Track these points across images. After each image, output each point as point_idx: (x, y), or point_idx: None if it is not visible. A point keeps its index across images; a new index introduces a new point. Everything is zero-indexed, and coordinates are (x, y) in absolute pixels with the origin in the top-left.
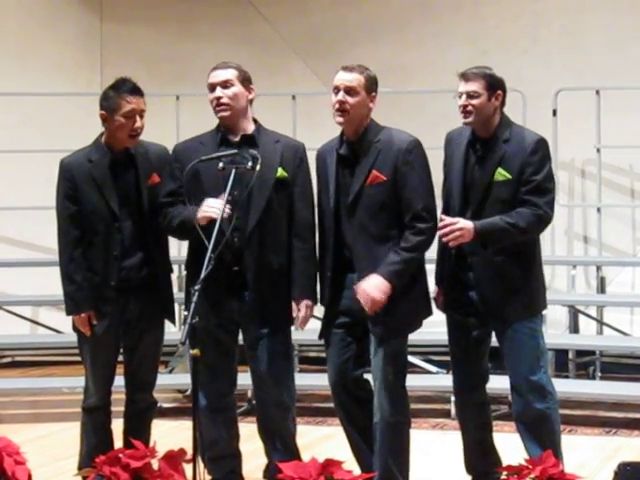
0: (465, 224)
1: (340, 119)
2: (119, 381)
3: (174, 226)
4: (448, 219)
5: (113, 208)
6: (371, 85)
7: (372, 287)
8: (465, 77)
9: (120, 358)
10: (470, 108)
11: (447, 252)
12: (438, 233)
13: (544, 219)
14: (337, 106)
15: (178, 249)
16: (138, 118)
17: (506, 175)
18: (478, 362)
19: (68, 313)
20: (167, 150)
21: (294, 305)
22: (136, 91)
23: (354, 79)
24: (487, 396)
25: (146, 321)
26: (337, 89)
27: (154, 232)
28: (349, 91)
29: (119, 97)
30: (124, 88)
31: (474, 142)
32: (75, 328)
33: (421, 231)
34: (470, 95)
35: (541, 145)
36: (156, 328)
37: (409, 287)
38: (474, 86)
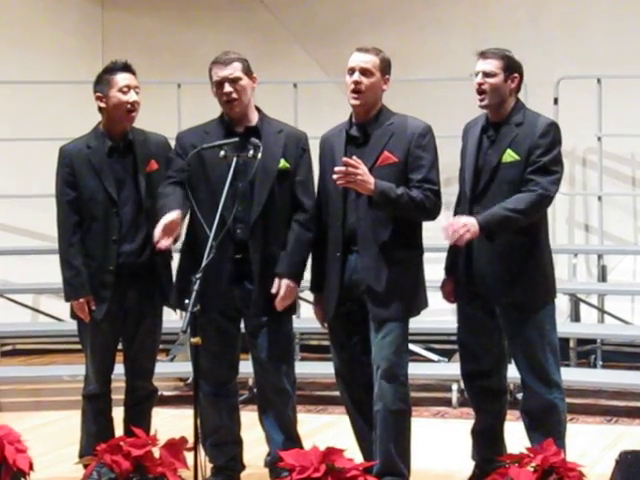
0: (467, 220)
1: (355, 102)
2: (120, 369)
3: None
4: (450, 221)
5: (111, 194)
6: (385, 67)
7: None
8: (483, 55)
9: (120, 346)
10: (485, 87)
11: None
12: (443, 236)
13: (544, 197)
14: (352, 87)
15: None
16: (133, 92)
17: (514, 156)
18: (489, 351)
19: (67, 299)
20: (166, 139)
21: (276, 280)
22: (127, 68)
23: (369, 60)
24: (504, 384)
25: (145, 308)
26: (352, 70)
27: (153, 218)
28: (364, 72)
29: (112, 75)
30: (116, 67)
31: (487, 127)
32: (74, 315)
33: (427, 197)
34: (486, 74)
35: (551, 128)
36: (155, 315)
37: (409, 270)
38: (491, 65)
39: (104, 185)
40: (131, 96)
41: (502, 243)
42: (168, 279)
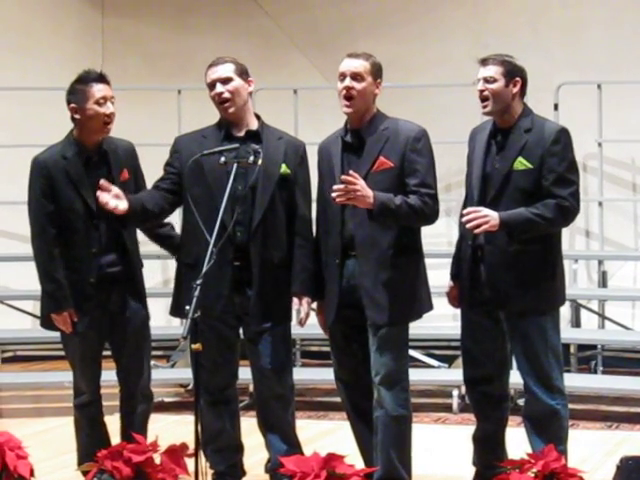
0: (489, 212)
1: (347, 109)
2: (113, 375)
3: None
4: (472, 208)
5: (90, 205)
6: (376, 71)
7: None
8: (484, 62)
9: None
10: (487, 93)
11: (463, 247)
12: (462, 220)
13: (570, 211)
14: (344, 92)
15: None
16: (110, 104)
17: (527, 164)
18: (492, 357)
19: (49, 312)
20: (133, 145)
21: (295, 300)
22: (103, 79)
23: (360, 65)
24: (506, 390)
25: (129, 313)
26: (343, 76)
27: (127, 228)
28: (355, 77)
29: (88, 86)
30: (90, 77)
31: (495, 133)
32: (46, 326)
33: (425, 202)
34: (487, 80)
35: (563, 135)
36: (141, 320)
37: (407, 275)
38: (491, 71)
39: (83, 197)
40: (108, 108)
41: (515, 250)
42: (142, 285)
